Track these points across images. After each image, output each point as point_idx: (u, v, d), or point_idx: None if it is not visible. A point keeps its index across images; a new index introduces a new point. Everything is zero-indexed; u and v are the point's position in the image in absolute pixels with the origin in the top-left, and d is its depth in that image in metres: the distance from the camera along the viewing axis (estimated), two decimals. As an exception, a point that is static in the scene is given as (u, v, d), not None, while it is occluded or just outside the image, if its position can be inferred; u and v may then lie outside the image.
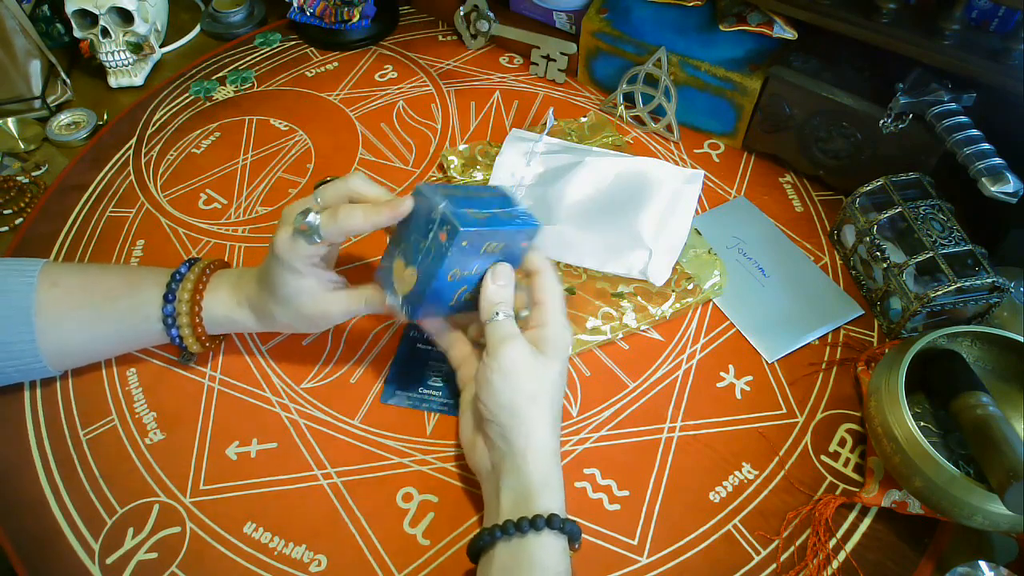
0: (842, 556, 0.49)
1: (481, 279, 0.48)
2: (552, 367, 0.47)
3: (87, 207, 0.71)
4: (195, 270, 0.55)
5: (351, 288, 0.52)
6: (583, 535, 0.50)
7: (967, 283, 0.54)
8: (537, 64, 0.82)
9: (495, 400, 0.46)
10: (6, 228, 0.69)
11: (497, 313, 0.47)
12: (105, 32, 0.79)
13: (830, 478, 0.53)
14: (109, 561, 0.49)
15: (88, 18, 0.80)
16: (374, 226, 0.47)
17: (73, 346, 0.54)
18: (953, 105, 0.59)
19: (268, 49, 0.88)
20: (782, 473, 0.53)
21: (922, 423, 0.53)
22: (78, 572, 0.49)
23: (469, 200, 0.47)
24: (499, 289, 0.48)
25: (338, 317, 0.53)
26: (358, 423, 0.56)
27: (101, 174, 0.74)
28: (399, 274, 0.48)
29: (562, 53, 0.80)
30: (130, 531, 0.50)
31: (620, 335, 0.60)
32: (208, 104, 0.81)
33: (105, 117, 0.80)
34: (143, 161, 0.75)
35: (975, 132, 0.56)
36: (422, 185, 0.46)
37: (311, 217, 0.46)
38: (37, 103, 0.79)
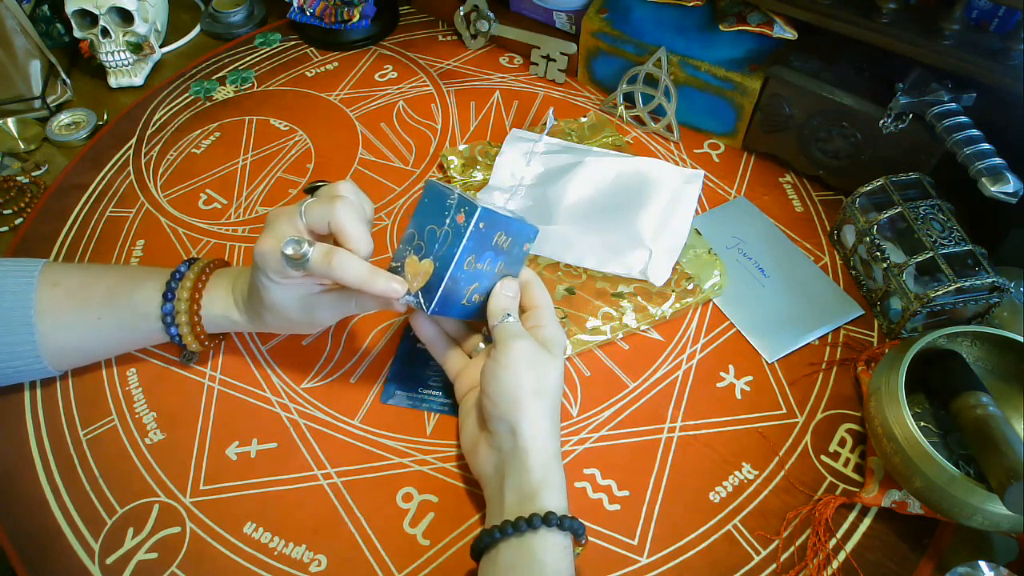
0: (842, 556, 0.49)
1: (489, 283, 0.51)
2: (554, 364, 0.49)
3: (87, 207, 0.71)
4: (195, 269, 0.55)
5: (340, 290, 0.50)
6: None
7: (967, 283, 0.54)
8: (537, 64, 0.82)
9: (501, 392, 0.47)
10: (6, 228, 0.69)
11: (509, 315, 0.50)
12: (105, 32, 0.79)
13: (830, 478, 0.53)
14: (109, 561, 0.49)
15: (88, 18, 0.80)
16: (364, 288, 0.46)
17: (73, 346, 0.55)
18: (953, 105, 0.59)
19: (268, 49, 0.88)
20: (782, 473, 0.53)
21: (922, 423, 0.53)
22: (78, 572, 0.49)
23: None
24: (509, 299, 0.51)
25: (328, 320, 0.54)
26: (358, 423, 0.56)
27: (101, 174, 0.74)
28: (413, 269, 0.48)
29: (562, 53, 0.80)
30: (130, 531, 0.50)
31: (620, 335, 0.60)
32: (208, 104, 0.81)
33: (105, 117, 0.80)
34: (143, 161, 0.75)
35: (975, 132, 0.56)
36: (430, 180, 0.49)
37: (305, 248, 0.44)
38: (37, 103, 0.79)
